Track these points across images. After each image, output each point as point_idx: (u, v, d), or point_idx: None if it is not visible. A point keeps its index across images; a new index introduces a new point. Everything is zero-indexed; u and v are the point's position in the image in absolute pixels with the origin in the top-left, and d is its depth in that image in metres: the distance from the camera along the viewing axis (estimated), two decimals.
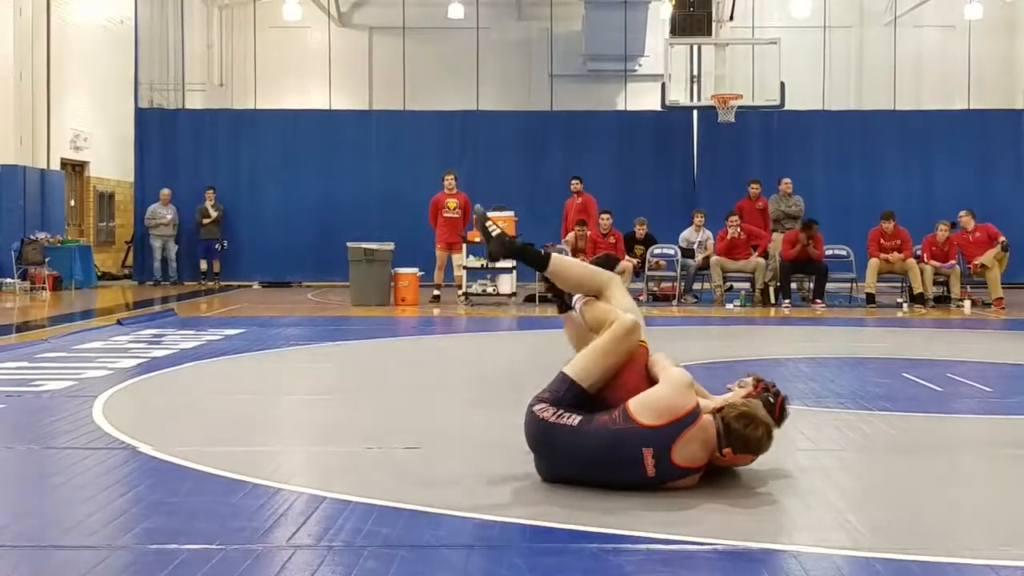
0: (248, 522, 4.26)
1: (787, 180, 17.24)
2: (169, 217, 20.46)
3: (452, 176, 16.50)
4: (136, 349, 10.01)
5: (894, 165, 20.64)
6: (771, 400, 5.07)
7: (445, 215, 16.31)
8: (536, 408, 4.89)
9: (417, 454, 5.56)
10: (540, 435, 4.87)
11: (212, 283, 20.39)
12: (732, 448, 4.75)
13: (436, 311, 15.18)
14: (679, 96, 20.49)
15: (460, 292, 16.15)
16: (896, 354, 10.21)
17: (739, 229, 16.30)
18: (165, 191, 20.50)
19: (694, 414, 4.69)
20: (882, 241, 15.97)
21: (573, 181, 17.59)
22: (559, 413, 4.82)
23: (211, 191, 20.47)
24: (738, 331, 12.93)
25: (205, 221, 20.37)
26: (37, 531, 4.21)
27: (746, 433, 4.72)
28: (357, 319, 13.89)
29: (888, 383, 8.30)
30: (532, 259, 5.34)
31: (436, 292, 16.36)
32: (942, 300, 15.82)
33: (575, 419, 4.78)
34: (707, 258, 16.70)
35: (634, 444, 4.65)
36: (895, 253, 15.76)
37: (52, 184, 20.19)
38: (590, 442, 4.71)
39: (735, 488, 4.92)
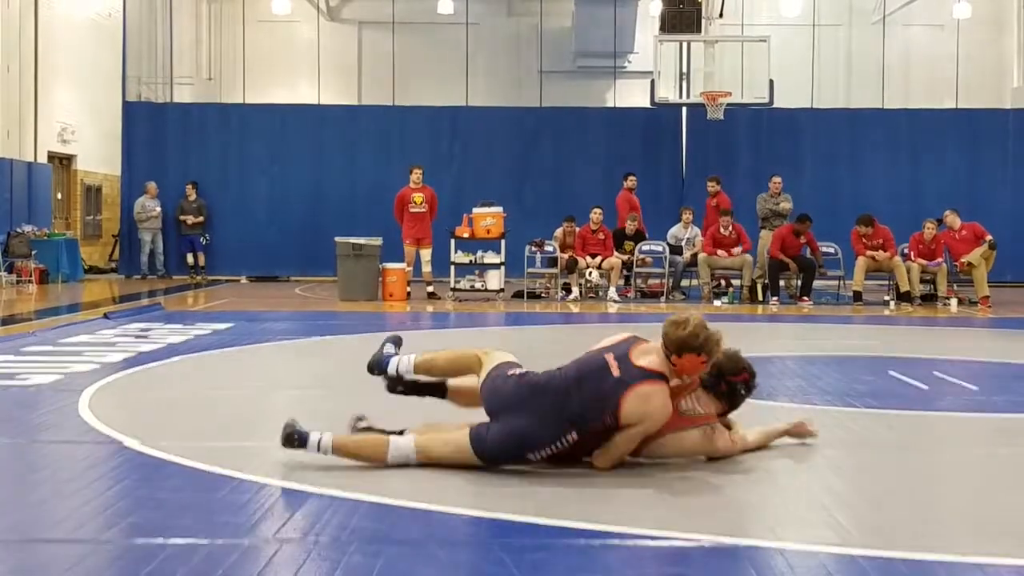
0: (234, 517, 4.26)
1: (777, 179, 17.25)
2: (157, 210, 20.41)
3: (419, 171, 16.43)
4: (123, 343, 9.98)
5: (882, 163, 20.68)
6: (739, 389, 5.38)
7: (411, 210, 16.23)
8: (508, 373, 5.07)
9: None
10: (511, 392, 4.96)
11: (200, 277, 20.35)
12: (673, 352, 4.96)
13: (430, 308, 15.14)
14: (668, 93, 20.50)
15: (429, 289, 16.11)
16: (882, 352, 10.24)
17: (731, 228, 16.33)
18: (151, 184, 20.44)
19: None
20: (864, 241, 16.02)
21: (630, 178, 17.92)
22: (524, 373, 5.08)
23: (192, 186, 20.41)
24: (726, 328, 12.93)
25: (189, 221, 20.32)
26: (23, 525, 4.20)
27: (676, 334, 4.96)
28: (345, 314, 13.87)
29: (874, 381, 8.32)
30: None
31: (429, 288, 16.37)
32: (929, 298, 15.86)
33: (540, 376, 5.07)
34: (695, 255, 16.71)
35: (598, 361, 4.97)
36: (880, 252, 15.79)
37: (39, 177, 20.12)
38: (557, 380, 4.99)
39: (722, 484, 4.94)
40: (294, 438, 5.04)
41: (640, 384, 4.89)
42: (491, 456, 4.93)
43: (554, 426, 4.88)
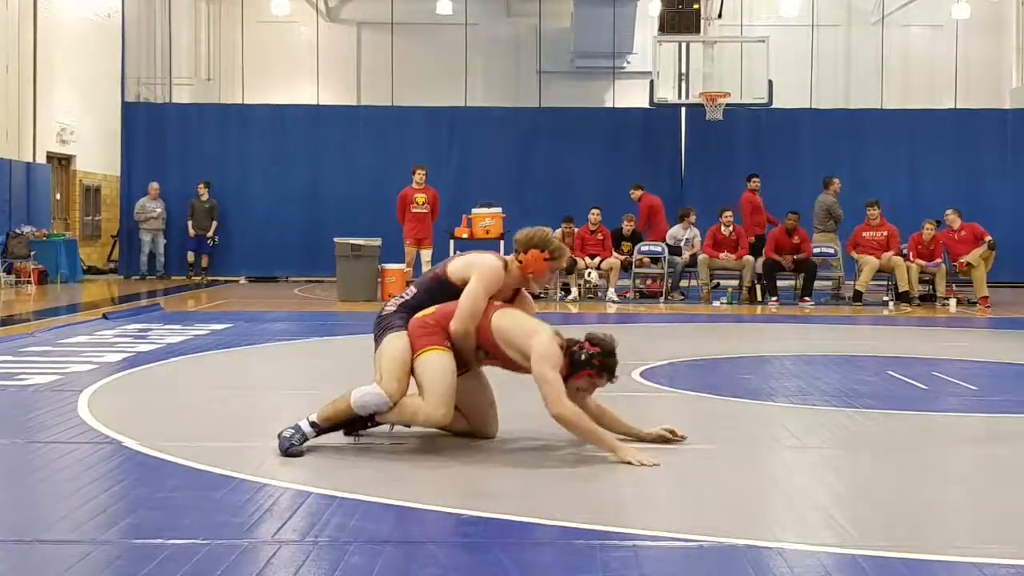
0: (233, 517, 4.25)
1: (838, 180, 17.30)
2: (158, 211, 20.39)
3: (423, 171, 16.43)
4: (121, 344, 9.98)
5: (881, 164, 20.66)
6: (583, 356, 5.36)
7: (413, 210, 16.21)
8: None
9: (402, 450, 5.55)
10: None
11: (199, 278, 20.33)
12: (521, 250, 5.52)
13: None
14: (667, 94, 20.49)
15: None
16: (882, 352, 10.23)
17: (731, 227, 16.33)
18: (153, 185, 20.43)
19: None
20: (864, 235, 16.03)
21: (754, 179, 17.69)
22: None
23: (204, 186, 20.30)
24: (725, 329, 12.96)
25: (192, 233, 20.21)
26: (21, 525, 4.19)
27: (525, 234, 5.57)
28: (344, 315, 13.87)
29: (874, 381, 8.32)
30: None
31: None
32: (928, 298, 15.86)
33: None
34: (694, 255, 16.72)
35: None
36: (879, 251, 15.77)
37: (38, 178, 20.10)
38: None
39: (721, 485, 4.94)
40: (293, 443, 5.34)
41: (475, 252, 5.69)
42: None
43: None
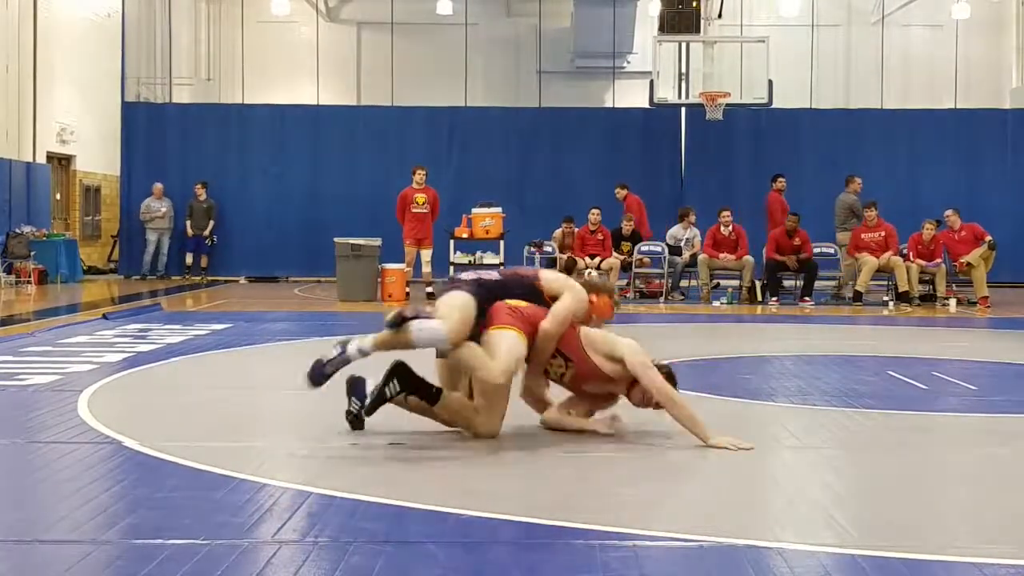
0: (233, 517, 4.25)
1: (859, 179, 17.35)
2: (164, 210, 20.39)
3: (423, 171, 16.43)
4: (121, 344, 9.98)
5: (881, 164, 20.65)
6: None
7: (413, 210, 16.20)
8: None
9: (402, 450, 5.55)
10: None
11: (198, 278, 20.33)
12: (591, 292, 6.03)
13: (429, 308, 15.09)
14: (667, 93, 20.48)
15: (428, 289, 16.08)
16: (882, 352, 10.24)
17: (731, 227, 16.33)
18: (158, 185, 20.42)
19: None
20: (863, 236, 16.04)
21: (779, 179, 17.73)
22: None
23: (202, 186, 20.29)
24: (725, 329, 12.96)
25: (190, 232, 20.20)
26: (21, 525, 4.19)
27: (591, 279, 6.47)
28: (344, 315, 13.86)
29: (874, 381, 8.32)
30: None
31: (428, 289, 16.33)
32: (928, 299, 15.87)
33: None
34: (694, 255, 16.72)
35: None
36: (878, 251, 15.77)
37: (38, 178, 20.10)
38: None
39: (720, 485, 4.94)
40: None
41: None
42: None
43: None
